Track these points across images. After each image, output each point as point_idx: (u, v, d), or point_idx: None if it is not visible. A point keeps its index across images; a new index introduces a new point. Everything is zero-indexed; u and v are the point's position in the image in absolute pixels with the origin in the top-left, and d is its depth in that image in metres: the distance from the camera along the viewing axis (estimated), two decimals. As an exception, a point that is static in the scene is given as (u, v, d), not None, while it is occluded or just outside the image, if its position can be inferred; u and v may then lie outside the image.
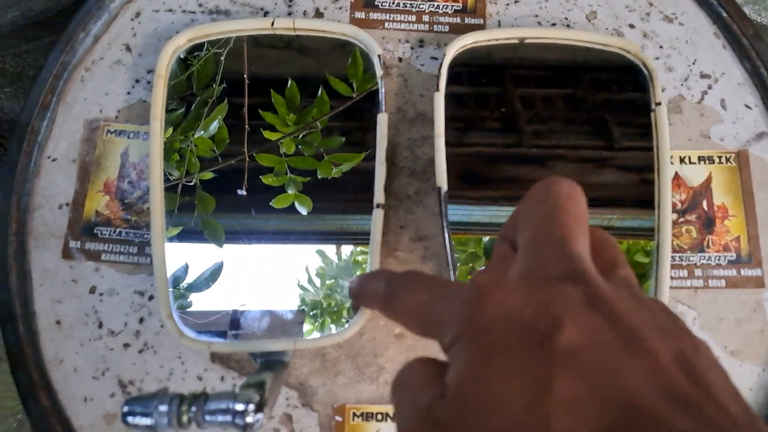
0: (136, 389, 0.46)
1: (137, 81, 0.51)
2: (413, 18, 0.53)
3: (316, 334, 0.45)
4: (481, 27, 0.53)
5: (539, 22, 0.54)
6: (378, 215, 0.45)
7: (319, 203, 0.47)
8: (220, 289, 0.46)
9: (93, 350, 0.47)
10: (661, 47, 0.54)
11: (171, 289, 0.44)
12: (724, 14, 0.54)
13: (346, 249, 0.47)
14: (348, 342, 0.48)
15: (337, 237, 0.47)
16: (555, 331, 0.19)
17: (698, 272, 0.48)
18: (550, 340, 0.18)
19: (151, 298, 0.48)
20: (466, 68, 0.50)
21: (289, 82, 0.47)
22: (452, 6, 0.54)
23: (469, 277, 0.46)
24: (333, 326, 0.46)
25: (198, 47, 0.49)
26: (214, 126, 0.48)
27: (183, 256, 0.45)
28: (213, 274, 0.46)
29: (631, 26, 0.54)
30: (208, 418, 0.34)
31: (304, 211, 0.46)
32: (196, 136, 0.47)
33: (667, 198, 0.46)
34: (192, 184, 0.47)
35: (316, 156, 0.47)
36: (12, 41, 0.78)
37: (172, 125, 0.48)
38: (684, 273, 0.49)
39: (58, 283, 0.47)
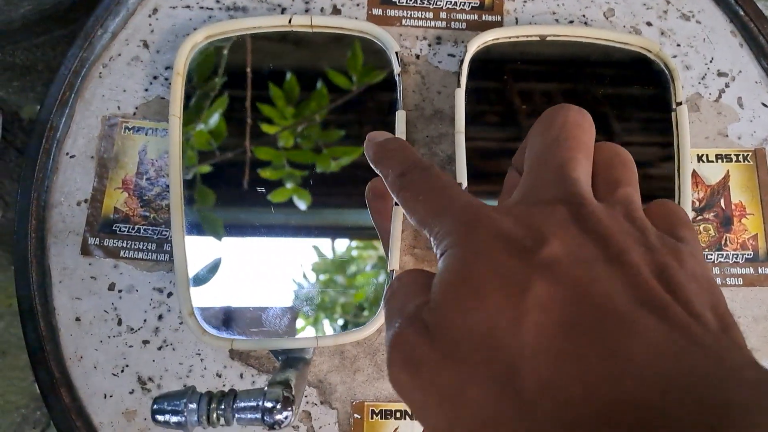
0: (155, 386, 0.46)
1: (155, 78, 0.51)
2: (430, 15, 0.53)
3: (311, 330, 0.45)
4: (499, 24, 0.53)
5: (557, 20, 0.54)
6: (398, 212, 0.45)
7: (319, 198, 0.46)
8: (219, 283, 0.45)
9: (112, 347, 0.47)
10: (678, 45, 0.54)
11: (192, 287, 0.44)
12: (741, 12, 0.54)
13: (342, 244, 0.46)
14: (367, 339, 0.48)
15: (336, 231, 0.47)
16: (539, 245, 0.20)
17: (716, 270, 0.49)
18: (533, 252, 0.19)
19: (170, 295, 0.48)
20: (482, 64, 0.49)
21: (288, 74, 0.47)
22: (470, 3, 0.54)
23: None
24: (327, 321, 0.45)
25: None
26: (215, 119, 0.48)
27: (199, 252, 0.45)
28: (212, 269, 0.45)
29: (649, 24, 0.54)
30: (237, 415, 0.35)
31: (302, 206, 0.46)
32: (197, 129, 0.47)
33: (688, 197, 0.46)
34: (190, 178, 0.46)
35: (315, 149, 0.47)
36: (22, 35, 0.78)
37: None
38: (702, 271, 0.49)
39: (77, 279, 0.48)
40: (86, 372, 0.46)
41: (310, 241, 0.46)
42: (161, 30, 0.52)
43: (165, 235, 0.48)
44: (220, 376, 0.47)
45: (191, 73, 0.48)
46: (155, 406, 0.35)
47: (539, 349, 0.17)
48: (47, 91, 0.48)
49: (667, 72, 0.49)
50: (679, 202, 0.46)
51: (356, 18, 0.53)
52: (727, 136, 0.52)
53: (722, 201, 0.50)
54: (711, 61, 0.54)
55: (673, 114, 0.48)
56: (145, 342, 0.47)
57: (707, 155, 0.51)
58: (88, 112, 0.50)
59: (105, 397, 0.46)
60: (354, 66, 0.49)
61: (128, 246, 0.48)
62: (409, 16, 0.53)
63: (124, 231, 0.48)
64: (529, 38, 0.49)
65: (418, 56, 0.53)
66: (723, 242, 0.49)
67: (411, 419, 0.47)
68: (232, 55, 0.49)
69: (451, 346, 0.19)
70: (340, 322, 0.45)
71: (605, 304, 0.18)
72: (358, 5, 0.54)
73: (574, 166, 0.23)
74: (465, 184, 0.46)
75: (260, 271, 0.46)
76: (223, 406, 0.35)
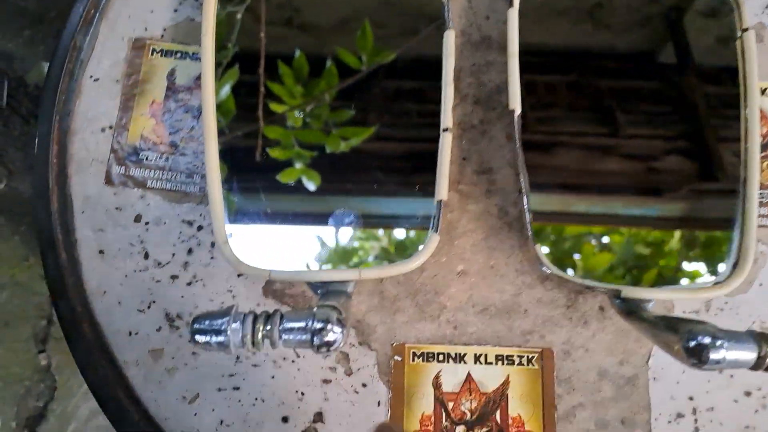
0: (184, 324, 0.43)
1: (184, -1, 0.48)
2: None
3: (352, 263, 0.42)
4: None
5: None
6: (446, 139, 0.42)
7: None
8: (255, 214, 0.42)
9: (138, 282, 0.44)
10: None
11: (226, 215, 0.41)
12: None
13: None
14: (408, 279, 0.45)
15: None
16: None
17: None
18: None
19: (200, 228, 0.45)
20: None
21: (297, 52, 0.44)
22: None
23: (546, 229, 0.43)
24: (370, 254, 0.42)
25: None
26: (225, 91, 0.44)
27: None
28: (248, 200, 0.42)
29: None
30: (284, 336, 0.32)
31: (311, 187, 0.42)
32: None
33: (756, 129, 0.43)
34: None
35: (325, 129, 0.44)
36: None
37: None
38: (765, 211, 0.46)
39: (100, 210, 0.44)
40: (109, 308, 0.43)
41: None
42: (190, -50, 0.49)
43: (195, 165, 0.45)
44: (252, 315, 0.44)
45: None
46: (195, 326, 0.32)
47: None
48: (71, 8, 0.45)
49: (731, -4, 0.46)
50: (745, 134, 0.43)
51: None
52: (790, 71, 0.49)
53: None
54: (772, -6, 0.50)
55: (737, 42, 0.45)
56: (174, 277, 0.44)
57: (770, 90, 0.48)
58: (113, 33, 0.47)
59: (130, 334, 0.43)
60: (364, 46, 0.45)
61: (156, 176, 0.45)
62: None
63: (152, 160, 0.45)
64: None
65: (462, -17, 0.49)
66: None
67: (455, 362, 0.44)
68: (245, 22, 0.45)
69: None
70: (384, 255, 0.42)
71: None
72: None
73: None
74: (518, 111, 0.43)
75: (299, 199, 0.43)
76: (269, 327, 0.32)
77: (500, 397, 0.43)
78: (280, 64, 0.44)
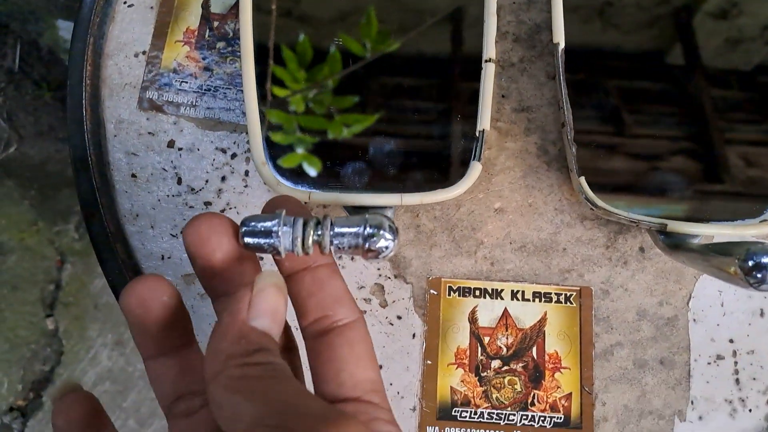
0: (216, 251, 0.42)
1: (221, -72, 0.47)
2: None
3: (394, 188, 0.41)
4: None
5: None
6: (489, 69, 0.41)
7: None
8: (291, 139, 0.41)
9: (171, 207, 0.43)
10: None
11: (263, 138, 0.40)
12: None
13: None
14: (444, 214, 0.44)
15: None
16: None
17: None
18: None
19: (233, 156, 0.44)
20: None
21: (301, 36, 0.43)
22: None
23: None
24: (410, 181, 0.41)
25: None
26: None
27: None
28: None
29: None
30: (335, 241, 0.31)
31: (312, 172, 0.41)
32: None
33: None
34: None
35: (327, 115, 0.43)
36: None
37: None
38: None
39: (133, 134, 0.44)
40: (142, 231, 0.42)
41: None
42: None
43: (229, 93, 0.44)
44: (286, 245, 0.43)
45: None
46: (244, 228, 0.31)
47: None
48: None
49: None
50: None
51: None
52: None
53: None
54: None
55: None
56: (207, 204, 0.43)
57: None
58: (150, -44, 0.46)
59: (162, 258, 0.42)
60: (368, 33, 0.44)
61: (189, 102, 0.44)
62: None
63: (185, 86, 0.44)
64: None
65: None
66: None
67: (492, 298, 0.43)
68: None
69: None
70: (425, 182, 0.41)
71: None
72: None
73: None
74: (563, 45, 0.42)
75: (337, 123, 0.42)
76: (320, 231, 0.31)
77: (537, 333, 0.43)
78: (284, 48, 0.43)
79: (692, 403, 0.42)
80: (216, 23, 0.45)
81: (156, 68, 0.44)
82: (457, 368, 0.42)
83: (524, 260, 0.43)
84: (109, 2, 0.44)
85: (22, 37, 1.20)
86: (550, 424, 0.42)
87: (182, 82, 0.44)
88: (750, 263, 0.32)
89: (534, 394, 0.42)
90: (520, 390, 0.42)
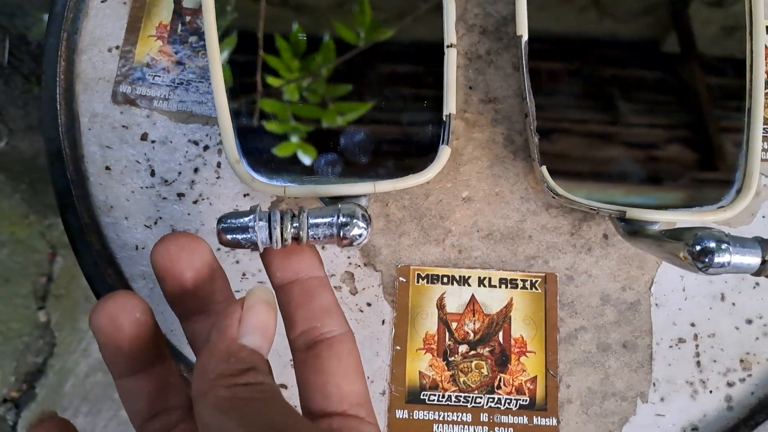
0: (189, 241, 0.43)
1: (193, -77, 0.48)
2: None
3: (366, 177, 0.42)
4: None
5: None
6: (451, 54, 0.42)
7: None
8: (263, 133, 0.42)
9: (145, 198, 0.44)
10: None
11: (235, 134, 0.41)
12: None
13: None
14: (412, 203, 0.45)
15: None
16: None
17: (785, 143, 0.46)
18: None
19: (206, 148, 0.45)
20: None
21: (295, 25, 0.43)
22: None
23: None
24: (382, 169, 0.41)
25: None
26: (223, 58, 0.44)
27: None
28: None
29: None
30: (311, 232, 0.32)
31: (307, 161, 0.42)
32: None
33: (760, 70, 0.43)
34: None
35: (321, 104, 0.43)
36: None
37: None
38: (767, 145, 0.46)
39: (107, 127, 0.45)
40: (116, 223, 0.43)
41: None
42: None
43: (203, 85, 0.45)
44: (258, 234, 0.44)
45: None
46: (222, 225, 0.32)
47: None
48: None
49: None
50: (750, 73, 0.43)
51: None
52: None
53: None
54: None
55: (746, -27, 0.45)
56: (180, 195, 0.44)
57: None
58: (122, -48, 0.46)
59: (137, 248, 0.43)
60: (362, 21, 0.45)
61: (162, 96, 0.45)
62: None
63: (158, 80, 0.45)
64: None
65: None
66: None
67: (459, 285, 0.44)
68: None
69: None
70: (396, 169, 0.42)
71: None
72: None
73: None
74: (526, 37, 0.43)
75: (306, 114, 0.43)
76: (296, 223, 0.32)
77: (503, 318, 0.44)
78: (277, 38, 0.43)
79: (654, 385, 0.43)
80: (188, 18, 0.46)
81: (129, 63, 0.45)
82: (425, 353, 0.43)
83: (491, 248, 0.44)
84: (82, -2, 0.45)
85: (11, 32, 1.20)
86: (516, 406, 0.43)
87: (155, 76, 0.45)
88: (697, 248, 0.33)
89: (500, 378, 0.43)
90: (486, 374, 0.43)
